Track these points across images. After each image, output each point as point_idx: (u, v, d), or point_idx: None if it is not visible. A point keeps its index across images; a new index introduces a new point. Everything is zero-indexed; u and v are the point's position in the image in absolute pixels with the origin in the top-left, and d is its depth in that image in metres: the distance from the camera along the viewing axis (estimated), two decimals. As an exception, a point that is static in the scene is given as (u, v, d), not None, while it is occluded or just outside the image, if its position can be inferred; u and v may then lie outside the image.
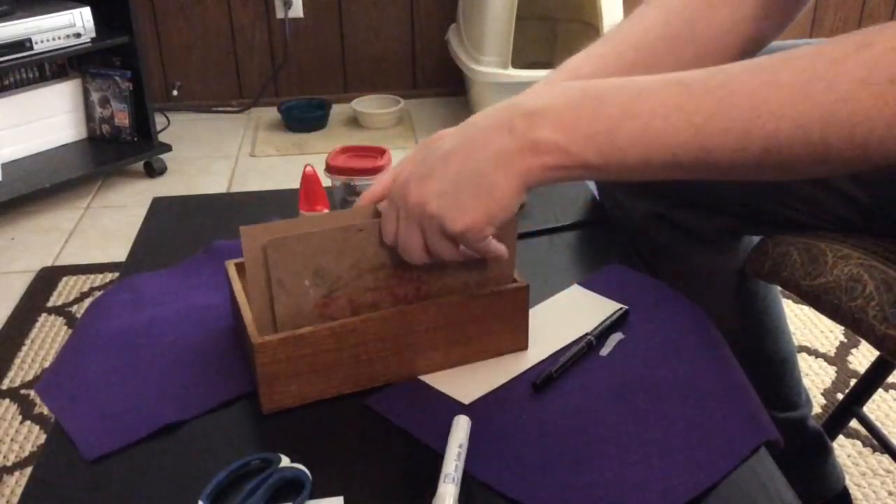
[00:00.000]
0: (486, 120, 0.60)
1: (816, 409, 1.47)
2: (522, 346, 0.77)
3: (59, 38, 2.23)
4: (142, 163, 2.48)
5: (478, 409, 0.70)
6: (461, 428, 0.67)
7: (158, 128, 2.57)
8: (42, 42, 2.19)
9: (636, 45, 0.75)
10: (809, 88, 0.51)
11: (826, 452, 1.13)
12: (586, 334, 0.79)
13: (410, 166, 0.64)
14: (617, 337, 0.79)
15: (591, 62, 0.76)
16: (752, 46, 0.77)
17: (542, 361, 0.76)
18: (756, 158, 0.54)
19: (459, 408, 0.70)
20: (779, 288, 1.05)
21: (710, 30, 0.75)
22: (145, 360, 0.76)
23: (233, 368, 0.75)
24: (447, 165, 0.60)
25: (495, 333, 0.76)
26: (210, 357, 0.77)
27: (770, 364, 1.05)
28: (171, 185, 2.45)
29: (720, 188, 0.91)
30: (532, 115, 0.58)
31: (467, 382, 0.73)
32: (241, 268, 0.77)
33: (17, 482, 1.35)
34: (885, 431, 1.28)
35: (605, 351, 0.78)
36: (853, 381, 1.49)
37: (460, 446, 0.65)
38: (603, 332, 0.79)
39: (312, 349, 0.69)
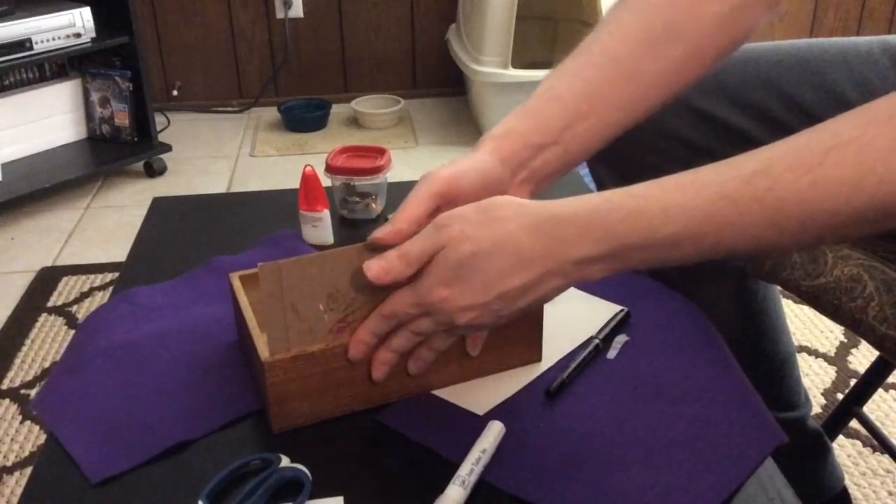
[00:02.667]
0: (531, 263, 0.60)
1: (816, 409, 1.47)
2: (536, 359, 0.76)
3: (59, 38, 2.23)
4: (142, 163, 2.48)
5: (494, 420, 0.69)
6: (492, 433, 0.66)
7: (158, 128, 2.57)
8: (42, 42, 2.19)
9: (617, 56, 0.72)
10: (862, 184, 0.51)
11: (826, 452, 1.13)
12: (592, 337, 0.78)
13: (439, 271, 0.61)
14: (622, 339, 0.79)
15: (566, 80, 0.73)
16: (741, 37, 0.75)
17: (551, 368, 0.76)
18: (811, 243, 0.56)
19: (474, 419, 0.70)
20: (779, 288, 1.05)
21: (695, 27, 0.72)
22: (147, 377, 0.74)
23: (240, 385, 0.74)
24: (486, 294, 0.61)
25: (510, 347, 0.75)
26: (216, 373, 0.75)
27: (770, 364, 1.05)
28: (171, 185, 2.45)
29: None
30: (582, 263, 0.60)
31: (479, 393, 0.73)
32: (245, 280, 0.75)
33: (17, 482, 1.35)
34: (885, 431, 1.29)
35: (611, 354, 0.78)
36: (853, 381, 1.50)
37: (483, 451, 0.64)
38: (608, 335, 0.79)
39: (324, 367, 0.68)
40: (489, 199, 0.62)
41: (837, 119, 0.55)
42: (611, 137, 0.73)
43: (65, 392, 0.73)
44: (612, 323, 0.80)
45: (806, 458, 1.12)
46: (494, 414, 0.70)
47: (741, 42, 0.75)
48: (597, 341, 0.77)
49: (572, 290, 0.87)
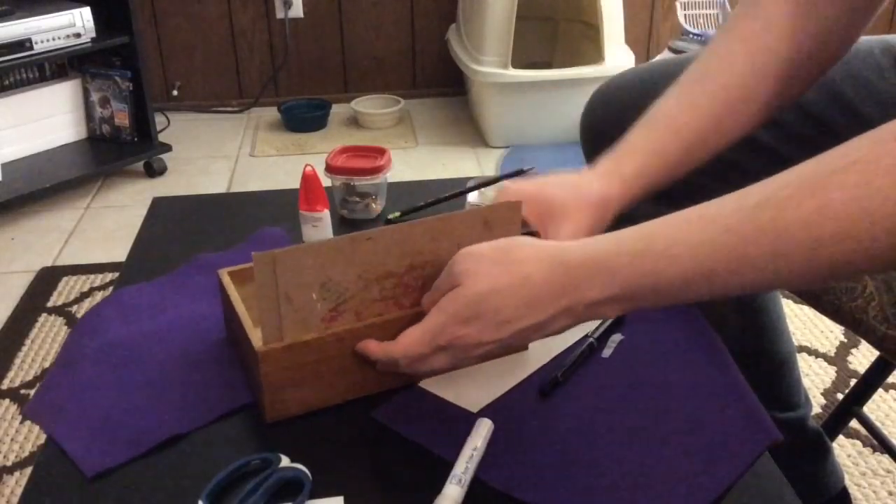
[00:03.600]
0: (545, 305, 0.61)
1: (816, 409, 1.47)
2: (522, 346, 0.77)
3: (59, 38, 2.23)
4: (142, 163, 2.48)
5: (487, 417, 0.69)
6: (481, 431, 0.66)
7: (158, 128, 2.57)
8: (42, 42, 2.19)
9: (727, 85, 0.75)
10: (868, 205, 0.49)
11: (826, 452, 1.13)
12: (586, 336, 0.78)
13: (454, 309, 0.63)
14: (617, 338, 0.79)
15: (685, 113, 0.75)
16: (841, 54, 0.77)
17: (545, 365, 0.76)
18: (824, 277, 0.54)
19: (468, 416, 0.70)
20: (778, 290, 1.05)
21: (793, 58, 0.74)
22: (139, 374, 0.75)
23: (231, 379, 0.75)
24: (501, 332, 0.62)
25: None
26: (206, 368, 0.76)
27: (770, 364, 1.05)
28: (171, 185, 2.45)
29: (721, 190, 0.91)
30: (594, 305, 0.60)
31: (473, 390, 0.73)
32: (234, 276, 0.76)
33: (17, 482, 1.35)
34: (885, 431, 1.28)
35: (606, 353, 0.78)
36: (853, 381, 1.50)
37: (475, 449, 0.64)
38: (603, 334, 0.79)
39: (317, 356, 0.69)
40: (508, 239, 0.64)
41: (848, 142, 0.54)
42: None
43: (58, 394, 0.74)
44: (608, 322, 0.80)
45: (806, 458, 1.12)
46: (488, 411, 0.70)
47: (835, 62, 0.78)
48: (591, 340, 0.78)
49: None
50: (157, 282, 0.90)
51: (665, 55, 2.67)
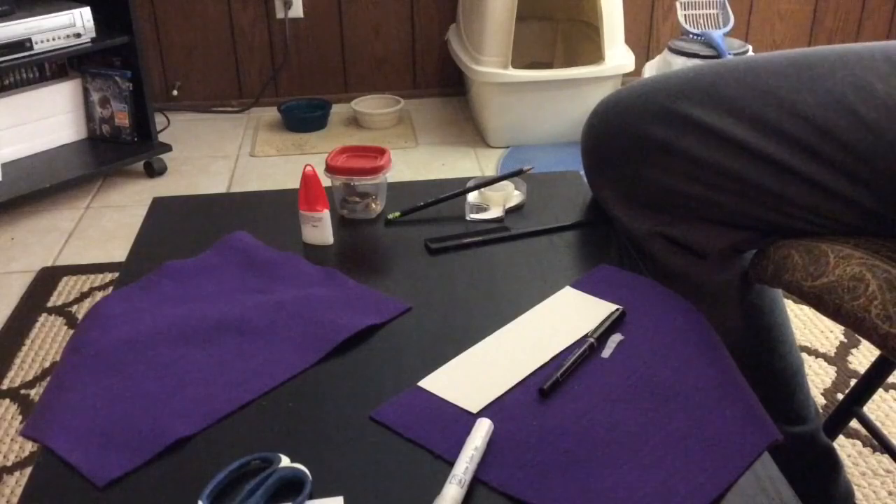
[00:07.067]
0: None
1: (817, 410, 1.47)
2: None
3: (59, 38, 2.22)
4: (142, 163, 2.48)
5: (487, 417, 0.69)
6: (481, 431, 0.66)
7: (158, 128, 2.57)
8: (42, 42, 2.19)
9: None
10: None
11: (837, 467, 1.12)
12: (586, 336, 0.78)
13: None
14: (617, 338, 0.79)
15: None
16: None
17: (545, 365, 0.76)
18: None
19: (468, 416, 0.70)
20: (784, 300, 1.05)
21: None
22: (136, 380, 0.75)
23: (232, 380, 0.75)
24: None
25: None
26: (206, 370, 0.76)
27: (780, 378, 1.05)
28: (171, 185, 2.45)
29: (724, 202, 0.90)
30: None
31: (473, 390, 0.73)
32: None
33: (17, 482, 1.35)
34: (885, 431, 1.28)
35: (606, 353, 0.78)
36: (853, 381, 1.50)
37: (475, 449, 0.64)
38: (603, 334, 0.79)
39: None
40: None
41: None
42: None
43: (54, 409, 0.73)
44: (608, 322, 0.80)
45: (817, 472, 1.11)
46: (488, 411, 0.70)
47: None
48: (591, 340, 0.78)
49: (567, 289, 0.87)
50: (127, 289, 0.89)
51: (665, 55, 2.67)
